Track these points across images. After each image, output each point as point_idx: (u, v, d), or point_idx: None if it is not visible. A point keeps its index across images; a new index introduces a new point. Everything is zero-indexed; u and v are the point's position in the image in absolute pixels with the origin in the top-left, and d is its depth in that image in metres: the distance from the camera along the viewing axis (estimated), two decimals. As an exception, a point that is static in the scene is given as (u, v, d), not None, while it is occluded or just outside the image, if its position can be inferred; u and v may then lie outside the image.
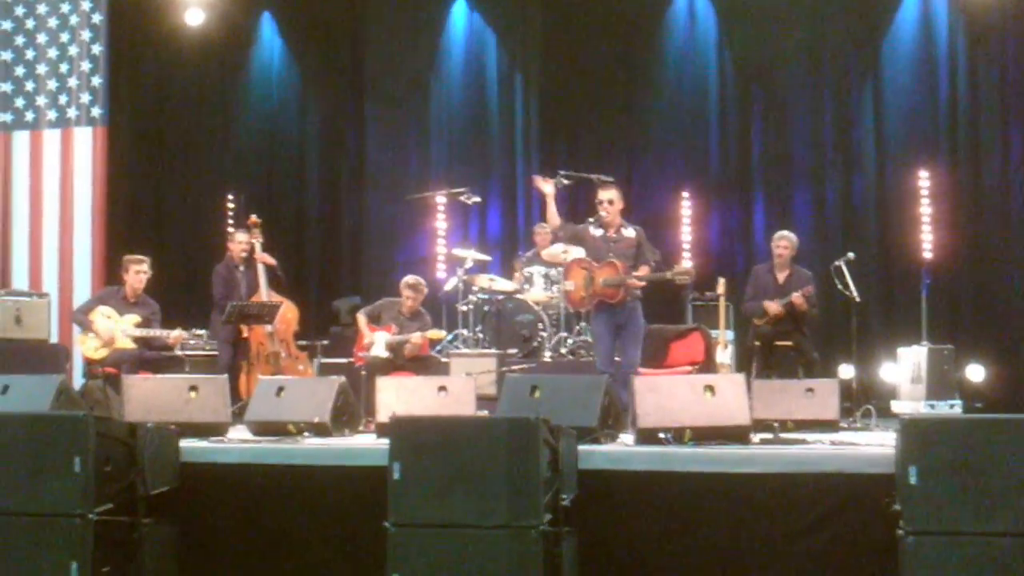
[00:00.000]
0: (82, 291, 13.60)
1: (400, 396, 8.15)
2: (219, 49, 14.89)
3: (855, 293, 10.78)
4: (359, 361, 10.96)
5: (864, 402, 10.07)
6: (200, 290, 12.33)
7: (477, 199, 13.05)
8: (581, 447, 6.69)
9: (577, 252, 10.53)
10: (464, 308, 12.21)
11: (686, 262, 12.83)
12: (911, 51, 13.51)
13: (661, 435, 7.09)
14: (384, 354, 10.78)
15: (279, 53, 15.27)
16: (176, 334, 10.62)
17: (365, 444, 7.57)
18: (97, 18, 14.44)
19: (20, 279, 14.00)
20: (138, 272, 10.86)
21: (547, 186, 9.78)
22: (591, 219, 9.73)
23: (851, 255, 11.07)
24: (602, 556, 6.59)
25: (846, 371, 11.49)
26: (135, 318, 10.63)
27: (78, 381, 11.23)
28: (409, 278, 11.33)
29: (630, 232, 9.65)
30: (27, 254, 14.19)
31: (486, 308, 12.14)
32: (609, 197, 9.61)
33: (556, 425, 6.30)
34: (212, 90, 15.27)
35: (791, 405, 8.21)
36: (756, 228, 13.69)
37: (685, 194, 13.76)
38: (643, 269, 9.52)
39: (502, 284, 12.30)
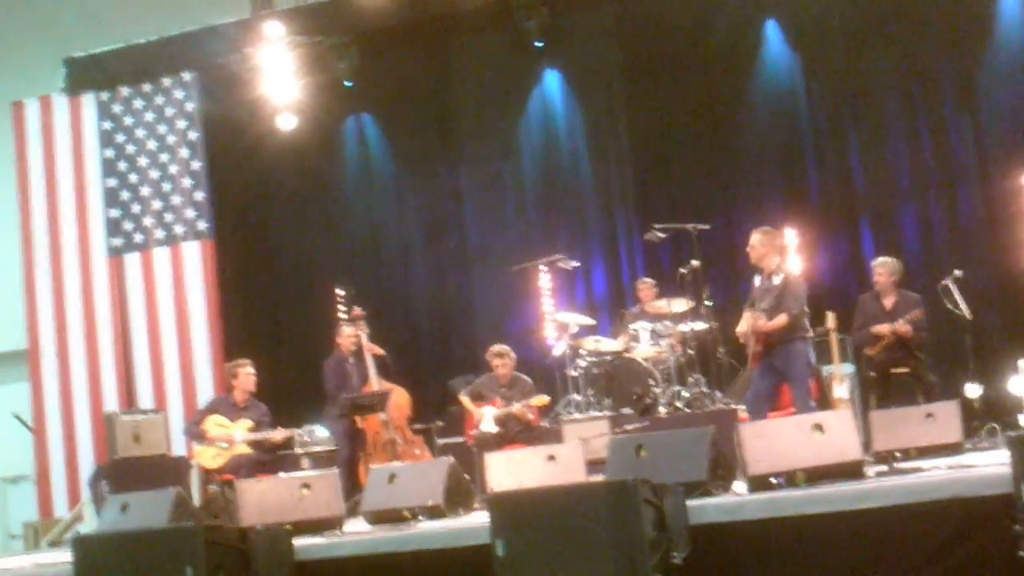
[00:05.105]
0: (206, 401, 13.67)
1: (509, 470, 8.15)
2: (313, 148, 15.14)
3: (965, 311, 10.50)
4: (470, 440, 11.00)
5: (990, 420, 9.77)
6: (316, 387, 12.46)
7: (575, 263, 13.04)
8: (691, 502, 6.50)
9: None
10: (574, 373, 12.16)
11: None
12: (1009, 58, 13.10)
13: (773, 480, 6.94)
14: (494, 429, 10.82)
15: (374, 145, 15.48)
16: (282, 433, 10.73)
17: (475, 523, 7.45)
18: (193, 135, 14.80)
19: (145, 398, 14.31)
20: (248, 374, 11.05)
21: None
22: None
23: (958, 273, 10.80)
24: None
25: (972, 390, 11.11)
26: (247, 423, 10.77)
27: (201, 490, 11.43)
28: (493, 347, 11.42)
29: (778, 279, 9.66)
30: (149, 372, 14.46)
31: (595, 371, 12.06)
32: (750, 243, 9.64)
33: (659, 483, 6.17)
34: (310, 190, 15.54)
35: (912, 433, 8.04)
36: (866, 255, 13.30)
37: (790, 230, 13.39)
38: (780, 318, 9.43)
39: (608, 344, 12.22)
